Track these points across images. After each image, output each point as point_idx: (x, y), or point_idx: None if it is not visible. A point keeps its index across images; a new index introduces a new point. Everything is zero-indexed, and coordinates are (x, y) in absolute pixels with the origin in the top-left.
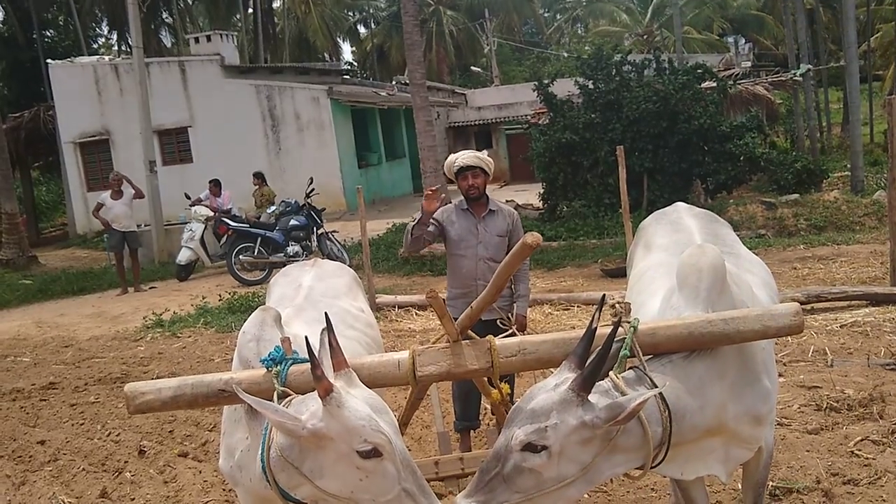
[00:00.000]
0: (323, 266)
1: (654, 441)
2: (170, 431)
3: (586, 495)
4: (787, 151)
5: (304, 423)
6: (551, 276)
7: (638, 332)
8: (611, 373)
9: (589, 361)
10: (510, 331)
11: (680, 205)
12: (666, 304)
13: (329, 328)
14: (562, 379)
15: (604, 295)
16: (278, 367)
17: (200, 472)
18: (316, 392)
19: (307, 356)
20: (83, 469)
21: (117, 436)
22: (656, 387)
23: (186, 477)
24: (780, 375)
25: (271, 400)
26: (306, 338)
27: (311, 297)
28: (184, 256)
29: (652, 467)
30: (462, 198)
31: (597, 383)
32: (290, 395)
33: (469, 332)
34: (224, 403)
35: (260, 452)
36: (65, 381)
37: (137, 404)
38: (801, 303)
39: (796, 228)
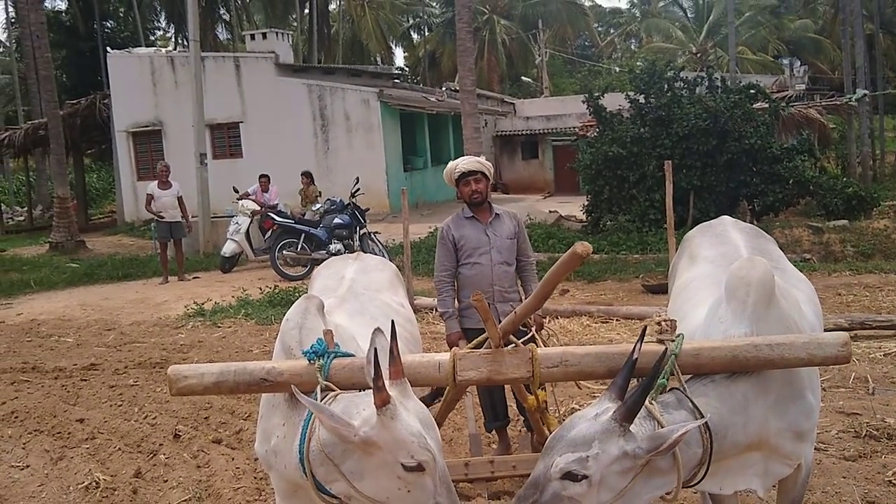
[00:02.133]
0: (366, 260)
1: (692, 461)
2: (205, 418)
3: None
4: (837, 177)
5: (356, 429)
6: (591, 289)
7: (682, 352)
8: (647, 399)
9: (631, 392)
10: (529, 333)
11: (726, 218)
12: (712, 316)
13: (393, 335)
14: (602, 409)
15: (645, 327)
16: (321, 360)
17: (233, 458)
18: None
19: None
20: (119, 449)
21: (154, 419)
22: (696, 408)
23: (219, 463)
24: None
25: (313, 393)
26: (374, 335)
27: (354, 289)
28: (228, 249)
29: (692, 485)
30: (463, 207)
31: None
32: (332, 389)
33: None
34: (266, 391)
35: (298, 443)
36: (105, 363)
37: (180, 387)
38: (845, 329)
39: (843, 255)
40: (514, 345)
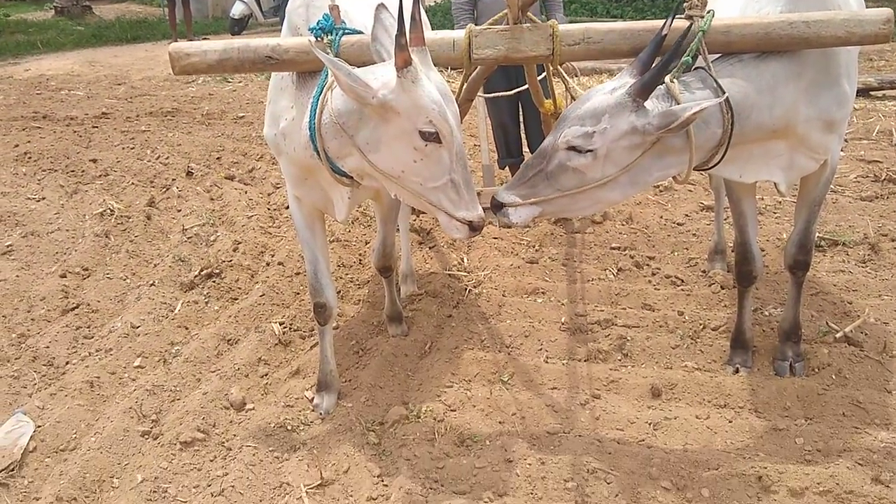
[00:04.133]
0: None
1: (711, 142)
2: (217, 158)
3: (627, 235)
4: None
5: (375, 91)
6: None
7: (711, 29)
8: (667, 77)
9: (654, 66)
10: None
11: None
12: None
13: (416, 0)
14: (620, 83)
15: (677, 4)
16: (329, 36)
17: (246, 192)
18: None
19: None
20: (132, 183)
21: (166, 159)
22: (720, 88)
23: (232, 195)
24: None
25: (322, 71)
26: (400, 2)
27: None
28: (237, 10)
29: (709, 168)
30: None
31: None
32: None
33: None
34: (271, 70)
35: (309, 119)
36: (117, 113)
37: (183, 65)
38: (874, 88)
39: None
40: (532, 23)
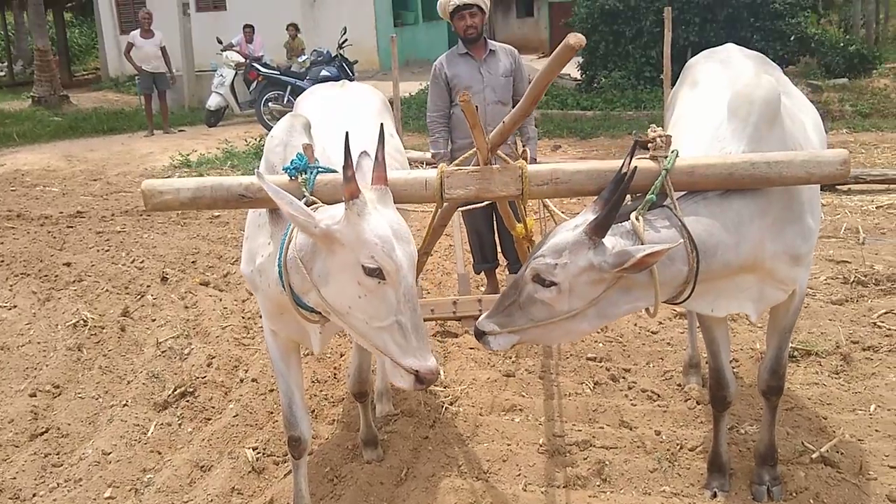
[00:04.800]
0: (352, 87)
1: (677, 279)
2: (193, 262)
3: (603, 345)
4: (839, 37)
5: (318, 220)
6: (584, 145)
7: (675, 168)
8: (633, 213)
9: (604, 207)
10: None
11: (731, 45)
12: (713, 136)
13: (380, 139)
14: (582, 220)
15: (637, 139)
16: (304, 174)
17: (220, 300)
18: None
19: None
20: (106, 290)
21: (141, 263)
22: (685, 227)
23: (207, 303)
24: None
25: None
26: (346, 134)
27: (341, 114)
28: (213, 102)
29: (680, 302)
30: (458, 43)
31: (619, 224)
32: (316, 203)
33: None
34: (245, 207)
35: (279, 254)
36: (92, 211)
37: (155, 203)
38: (840, 183)
39: (841, 113)
40: (502, 161)
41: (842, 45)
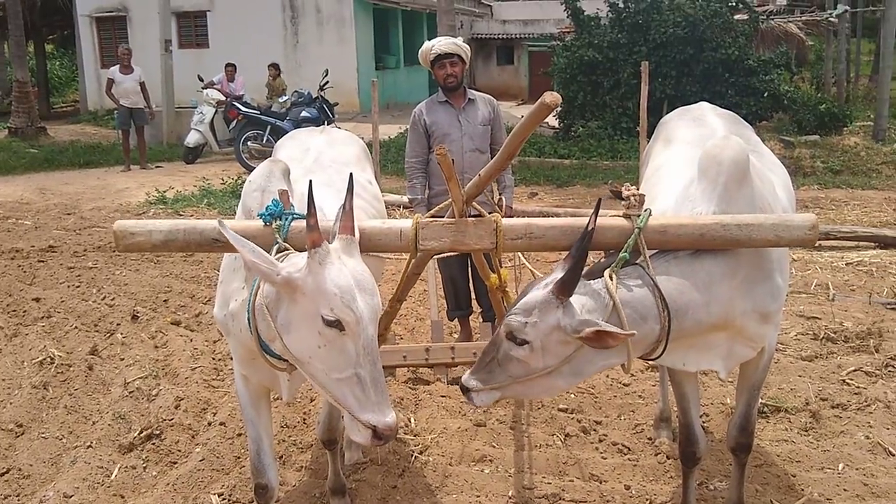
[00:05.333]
0: (332, 133)
1: (650, 337)
2: (164, 301)
3: (575, 396)
4: (811, 95)
5: (279, 268)
6: (560, 193)
7: (647, 228)
8: (606, 271)
9: (569, 265)
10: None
11: (704, 103)
12: (684, 195)
13: (350, 191)
14: (552, 278)
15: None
16: (278, 221)
17: (191, 340)
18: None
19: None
20: (75, 327)
21: (112, 300)
22: (657, 286)
23: (177, 343)
24: None
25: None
26: (310, 183)
27: (321, 161)
28: (192, 139)
29: (652, 359)
30: (438, 91)
31: (592, 282)
32: (288, 250)
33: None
34: (217, 251)
35: (249, 301)
36: (64, 246)
37: (126, 244)
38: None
39: (812, 170)
40: (477, 214)
41: (813, 102)
